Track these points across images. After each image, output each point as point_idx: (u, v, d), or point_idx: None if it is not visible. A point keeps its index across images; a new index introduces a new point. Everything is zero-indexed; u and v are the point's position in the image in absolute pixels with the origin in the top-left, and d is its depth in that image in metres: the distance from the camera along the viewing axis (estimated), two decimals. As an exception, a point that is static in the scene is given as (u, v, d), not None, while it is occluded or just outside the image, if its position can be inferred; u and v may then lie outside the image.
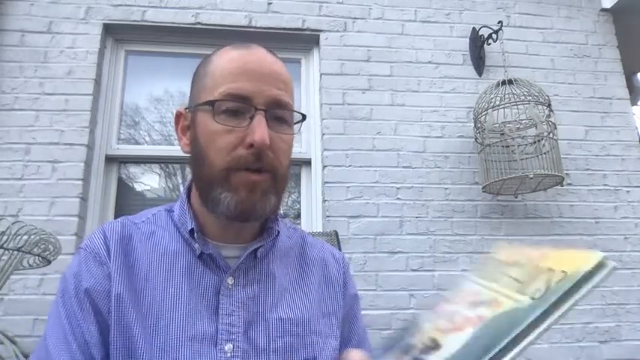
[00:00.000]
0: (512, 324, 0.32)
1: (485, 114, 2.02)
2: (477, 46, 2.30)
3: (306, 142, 2.21)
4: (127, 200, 2.09)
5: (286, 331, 0.61)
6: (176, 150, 2.03)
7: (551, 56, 2.39)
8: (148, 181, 2.23)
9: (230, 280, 0.61)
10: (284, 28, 2.23)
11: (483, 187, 2.03)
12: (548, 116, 2.01)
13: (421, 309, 1.93)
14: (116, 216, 2.00)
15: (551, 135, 1.98)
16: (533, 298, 0.33)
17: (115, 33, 2.17)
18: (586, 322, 2.01)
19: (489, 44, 2.27)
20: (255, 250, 0.63)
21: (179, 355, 0.55)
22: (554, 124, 2.01)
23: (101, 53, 2.10)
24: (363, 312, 0.76)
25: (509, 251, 0.43)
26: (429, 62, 2.29)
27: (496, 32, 2.21)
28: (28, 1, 2.08)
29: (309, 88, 2.28)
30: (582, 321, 2.01)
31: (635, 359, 1.98)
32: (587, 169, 2.23)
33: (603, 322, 2.02)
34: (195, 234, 0.62)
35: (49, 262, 1.51)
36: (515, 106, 1.99)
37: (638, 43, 2.71)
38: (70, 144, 1.93)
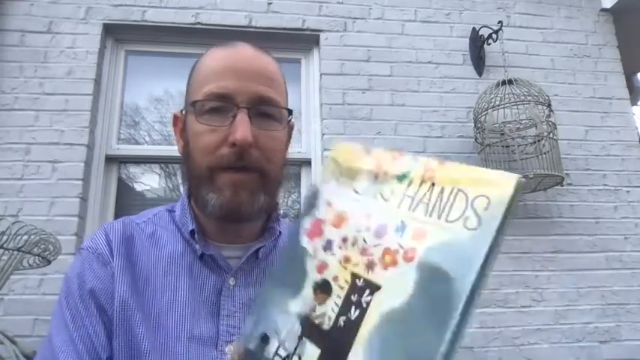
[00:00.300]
0: (467, 258, 0.30)
1: (485, 114, 2.02)
2: (477, 46, 2.30)
3: (306, 142, 2.21)
4: (127, 200, 2.09)
5: None
6: (176, 150, 2.02)
7: (551, 56, 2.39)
8: (148, 181, 2.23)
9: (231, 281, 0.61)
10: (284, 28, 2.23)
11: (483, 187, 2.02)
12: (548, 116, 2.01)
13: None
14: (116, 216, 2.00)
15: (551, 135, 1.98)
16: (468, 228, 0.32)
17: (115, 33, 2.17)
18: (586, 322, 2.01)
19: (489, 44, 2.27)
20: (257, 251, 0.63)
21: (179, 357, 0.55)
22: (554, 124, 2.01)
23: (101, 53, 2.10)
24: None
25: (358, 154, 0.41)
26: (429, 62, 2.29)
27: (496, 32, 2.21)
28: (28, 1, 2.08)
29: (309, 88, 2.28)
30: (582, 321, 2.01)
31: (635, 359, 1.98)
32: (587, 169, 2.23)
33: (603, 322, 2.02)
34: (196, 235, 0.61)
35: (49, 262, 1.51)
36: (515, 106, 1.99)
37: (638, 43, 2.71)
38: (70, 144, 1.93)
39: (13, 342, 1.40)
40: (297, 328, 0.38)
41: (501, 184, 0.32)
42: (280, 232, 0.67)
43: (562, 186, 2.09)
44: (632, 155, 2.28)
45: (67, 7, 2.10)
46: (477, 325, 1.93)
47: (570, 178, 2.19)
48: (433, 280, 0.32)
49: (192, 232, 0.62)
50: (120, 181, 2.08)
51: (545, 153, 1.96)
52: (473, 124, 2.14)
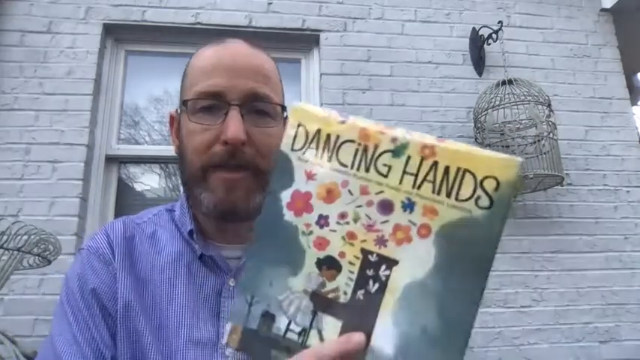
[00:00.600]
0: (485, 235, 0.34)
1: (486, 114, 2.02)
2: (477, 46, 2.30)
3: (306, 142, 2.21)
4: (127, 200, 2.09)
5: None
6: (176, 150, 2.02)
7: (551, 56, 2.39)
8: (148, 181, 2.23)
9: (231, 282, 0.60)
10: (284, 28, 2.23)
11: (483, 187, 2.02)
12: (548, 116, 2.01)
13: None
14: (116, 216, 2.00)
15: (551, 135, 1.98)
16: (481, 207, 0.35)
17: (115, 33, 2.17)
18: (586, 322, 2.01)
19: (489, 44, 2.27)
20: None
21: (179, 359, 0.54)
22: (554, 124, 2.01)
23: (101, 53, 2.10)
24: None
25: (331, 120, 0.40)
26: (429, 62, 2.29)
27: (496, 32, 2.21)
28: (28, 1, 2.08)
29: (309, 88, 2.28)
30: (582, 321, 2.01)
31: (635, 359, 1.98)
32: (587, 169, 2.23)
33: (603, 322, 2.02)
34: (195, 235, 0.61)
35: (49, 262, 1.51)
36: (515, 106, 1.99)
37: (638, 43, 2.71)
38: (70, 144, 1.93)
39: (13, 342, 1.41)
40: (308, 304, 0.39)
41: (506, 166, 0.35)
42: None
43: (562, 186, 2.09)
44: (632, 155, 2.28)
45: (67, 7, 2.10)
46: (477, 325, 1.92)
47: (570, 178, 2.19)
48: (454, 255, 0.35)
49: (190, 233, 0.61)
50: (120, 181, 2.08)
51: (545, 153, 1.96)
52: (473, 124, 2.14)
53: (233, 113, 0.56)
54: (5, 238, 1.28)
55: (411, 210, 0.37)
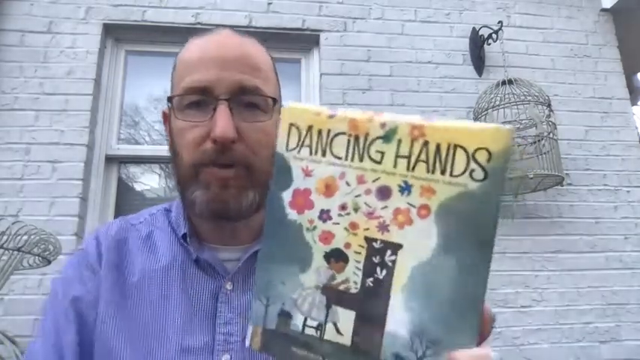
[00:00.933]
0: (483, 207, 0.35)
1: (486, 114, 2.02)
2: (477, 46, 2.30)
3: (306, 142, 2.21)
4: (127, 200, 2.09)
5: None
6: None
7: (551, 56, 2.39)
8: (148, 181, 2.23)
9: (229, 286, 0.57)
10: (284, 28, 2.23)
11: (483, 187, 2.03)
12: (548, 116, 2.01)
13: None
14: (116, 216, 2.00)
15: (551, 135, 1.98)
16: (476, 180, 0.35)
17: (115, 33, 2.17)
18: (586, 322, 2.01)
19: (489, 44, 2.27)
20: (256, 252, 0.58)
21: None
22: (554, 124, 2.01)
23: (101, 53, 2.10)
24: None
25: (322, 116, 0.40)
26: (429, 62, 2.29)
27: (496, 32, 2.21)
28: (28, 1, 2.08)
29: (309, 88, 2.28)
30: (582, 321, 2.01)
31: (635, 359, 1.98)
32: (587, 169, 2.23)
33: (603, 322, 2.02)
34: (188, 239, 0.59)
35: (49, 262, 1.51)
36: (515, 106, 1.99)
37: (638, 43, 2.71)
38: (70, 144, 1.93)
39: (13, 342, 1.41)
40: (321, 299, 0.39)
41: (497, 136, 0.35)
42: None
43: (562, 186, 2.09)
44: (632, 155, 2.28)
45: (67, 7, 2.10)
46: (477, 325, 1.92)
47: (570, 178, 2.19)
48: (456, 231, 0.35)
49: (184, 236, 0.59)
50: (120, 181, 2.08)
51: (545, 153, 1.96)
52: (473, 124, 2.14)
53: (221, 109, 0.53)
54: (5, 238, 1.28)
55: (409, 192, 0.37)
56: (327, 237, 0.39)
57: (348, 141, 0.39)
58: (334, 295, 0.39)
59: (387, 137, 0.38)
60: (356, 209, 0.38)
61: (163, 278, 0.57)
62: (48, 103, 1.97)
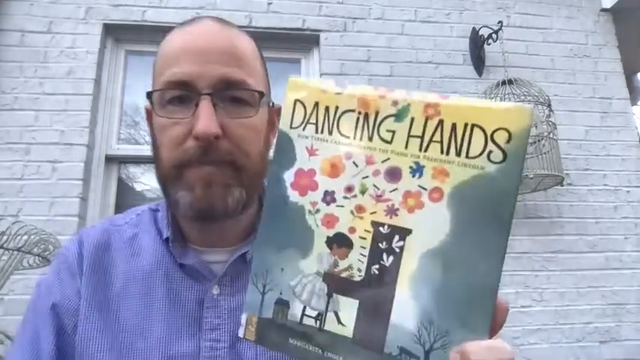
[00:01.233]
0: (502, 190, 0.32)
1: (485, 114, 2.02)
2: (477, 46, 2.30)
3: (306, 142, 2.21)
4: (127, 200, 2.09)
5: None
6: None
7: (551, 56, 2.39)
8: (148, 181, 2.23)
9: (215, 290, 0.55)
10: (284, 28, 2.23)
11: (483, 187, 2.03)
12: (548, 116, 2.01)
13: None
14: (116, 216, 2.00)
15: (551, 135, 1.98)
16: (494, 162, 0.33)
17: (115, 33, 2.17)
18: (586, 322, 2.01)
19: (489, 44, 2.27)
20: (244, 254, 0.56)
21: None
22: (554, 124, 2.01)
23: (101, 53, 2.10)
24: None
25: (329, 92, 0.38)
26: (429, 62, 2.29)
27: (496, 32, 2.21)
28: (28, 1, 2.08)
29: (309, 88, 2.28)
30: (582, 321, 2.01)
31: (635, 359, 1.98)
32: (587, 169, 2.23)
33: (603, 322, 2.02)
34: (172, 243, 0.56)
35: (49, 262, 1.51)
36: (515, 106, 1.99)
37: (638, 43, 2.71)
38: (70, 144, 1.93)
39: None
40: (322, 286, 0.37)
41: (517, 115, 0.33)
42: None
43: (562, 186, 2.09)
44: (632, 155, 2.28)
45: (67, 7, 2.10)
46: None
47: (570, 178, 2.19)
48: (471, 215, 0.33)
49: (167, 239, 0.56)
50: (120, 181, 2.08)
51: (545, 153, 1.96)
52: (473, 124, 2.14)
53: (204, 104, 0.50)
54: (5, 238, 1.28)
55: (420, 174, 0.35)
56: (330, 220, 0.37)
57: (357, 119, 0.37)
58: (336, 283, 0.36)
59: (398, 115, 0.36)
60: (363, 191, 0.36)
61: (147, 284, 0.54)
62: (48, 103, 1.97)
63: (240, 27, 0.58)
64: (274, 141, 0.60)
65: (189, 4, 2.18)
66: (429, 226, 0.34)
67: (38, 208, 1.83)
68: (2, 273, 1.35)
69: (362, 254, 0.36)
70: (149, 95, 0.54)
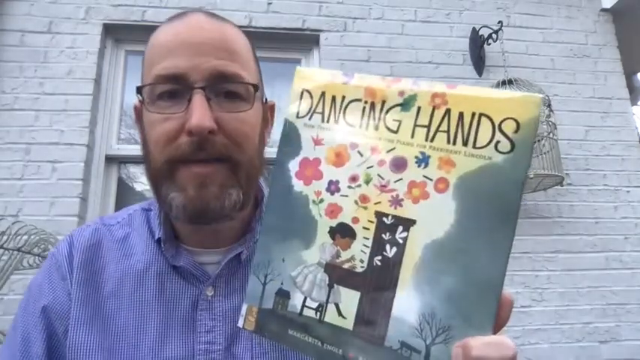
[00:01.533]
0: (509, 181, 0.32)
1: (486, 114, 2.02)
2: (477, 46, 2.30)
3: (306, 142, 2.21)
4: (127, 200, 2.09)
5: (271, 345, 0.52)
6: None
7: (551, 56, 2.39)
8: (147, 181, 2.23)
9: (209, 291, 0.53)
10: (284, 28, 2.23)
11: (483, 187, 2.03)
12: (548, 116, 2.01)
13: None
14: (116, 216, 2.00)
15: (551, 135, 1.98)
16: (502, 152, 0.32)
17: (115, 33, 2.17)
18: (586, 322, 2.01)
19: (489, 44, 2.27)
20: (239, 254, 0.55)
21: None
22: (554, 124, 2.01)
23: (101, 53, 2.10)
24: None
25: (336, 82, 0.38)
26: (429, 62, 2.29)
27: (496, 32, 2.21)
28: (28, 1, 2.08)
29: (309, 88, 2.28)
30: (582, 321, 2.01)
31: (635, 359, 1.98)
32: (587, 169, 2.23)
33: (603, 322, 2.02)
34: (163, 244, 0.54)
35: (49, 262, 1.51)
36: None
37: (638, 43, 2.71)
38: (70, 144, 1.93)
39: (13, 342, 1.40)
40: (323, 277, 0.36)
41: (525, 105, 0.32)
42: None
43: (562, 186, 2.09)
44: (632, 155, 2.28)
45: (67, 7, 2.10)
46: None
47: (570, 178, 2.19)
48: (476, 206, 0.32)
49: (159, 241, 0.55)
50: (120, 181, 2.08)
51: (545, 153, 1.96)
52: (473, 124, 2.14)
53: (197, 98, 0.48)
54: (5, 238, 1.28)
55: (426, 164, 0.34)
56: (333, 210, 0.36)
57: (364, 108, 0.37)
58: (338, 274, 0.36)
59: (405, 105, 0.35)
60: (367, 181, 0.36)
61: (139, 286, 0.53)
62: (48, 103, 1.97)
63: (240, 27, 0.58)
64: (269, 139, 0.59)
65: (189, 4, 2.18)
66: (434, 217, 0.33)
67: (38, 208, 1.83)
68: (2, 273, 1.35)
69: (365, 245, 0.35)
70: (139, 90, 0.52)
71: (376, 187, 0.35)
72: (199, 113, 0.47)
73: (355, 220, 0.36)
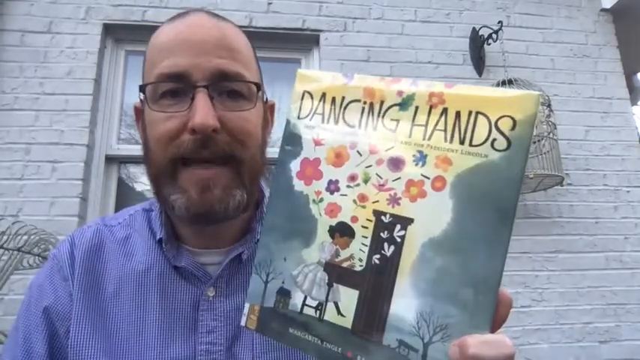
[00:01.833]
0: (505, 178, 0.32)
1: (485, 114, 2.02)
2: (477, 46, 2.30)
3: (306, 142, 2.21)
4: (127, 200, 2.09)
5: (272, 345, 0.52)
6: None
7: (551, 56, 2.39)
8: (148, 181, 2.23)
9: (210, 292, 0.53)
10: (284, 28, 2.23)
11: (483, 187, 2.03)
12: (548, 116, 2.01)
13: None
14: (116, 216, 2.00)
15: (551, 135, 1.98)
16: (498, 150, 0.32)
17: (115, 33, 2.17)
18: (586, 322, 2.01)
19: (489, 44, 2.27)
20: (240, 255, 0.55)
21: None
22: (554, 124, 2.01)
23: (101, 53, 2.10)
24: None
25: (337, 83, 0.38)
26: (429, 62, 2.29)
27: (496, 32, 2.21)
28: (28, 1, 2.08)
29: (309, 88, 2.28)
30: (582, 321, 2.01)
31: (635, 359, 1.98)
32: (587, 169, 2.23)
33: (603, 322, 2.02)
34: (164, 245, 0.54)
35: (49, 262, 1.51)
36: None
37: (638, 43, 2.71)
38: (70, 144, 1.93)
39: (13, 342, 1.40)
40: (323, 276, 0.37)
41: (522, 102, 0.32)
42: None
43: (562, 186, 2.09)
44: (632, 155, 2.28)
45: (67, 7, 2.10)
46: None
47: (570, 178, 2.19)
48: (473, 204, 0.32)
49: (160, 241, 0.55)
50: (120, 181, 2.08)
51: (545, 153, 1.96)
52: (473, 124, 2.14)
53: (200, 96, 0.47)
54: (5, 238, 1.28)
55: (424, 163, 0.34)
56: (333, 210, 0.37)
57: (363, 109, 0.37)
58: (337, 273, 0.36)
59: (403, 104, 0.36)
60: (366, 180, 0.36)
61: (140, 287, 0.53)
62: (48, 103, 1.97)
63: (240, 27, 0.58)
64: (269, 139, 0.59)
65: (190, 4, 2.18)
66: (431, 216, 0.34)
67: (38, 208, 1.83)
68: (2, 273, 1.35)
69: (363, 244, 0.36)
70: (142, 89, 0.51)
71: (375, 186, 0.36)
72: (203, 112, 0.47)
73: (354, 219, 0.36)
